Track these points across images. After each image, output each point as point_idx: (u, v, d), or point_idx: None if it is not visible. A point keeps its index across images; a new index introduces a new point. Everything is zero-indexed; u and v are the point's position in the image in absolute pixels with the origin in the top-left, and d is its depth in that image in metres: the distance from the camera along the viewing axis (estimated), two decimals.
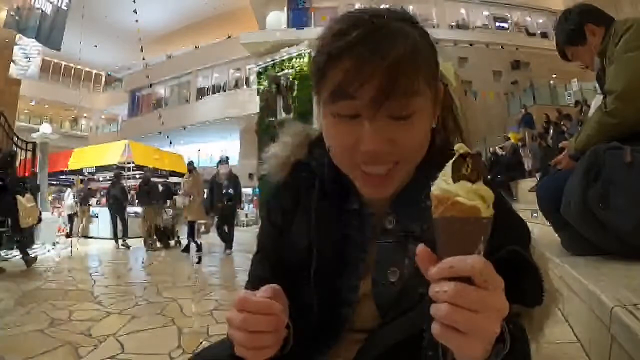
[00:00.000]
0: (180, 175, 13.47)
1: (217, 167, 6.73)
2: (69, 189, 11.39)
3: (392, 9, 0.49)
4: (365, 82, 0.44)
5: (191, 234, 6.39)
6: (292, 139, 0.61)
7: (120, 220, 8.03)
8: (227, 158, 6.98)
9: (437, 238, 0.33)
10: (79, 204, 10.29)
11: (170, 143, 14.90)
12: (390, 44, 0.44)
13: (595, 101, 2.43)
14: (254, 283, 0.55)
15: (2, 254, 6.23)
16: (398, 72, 0.43)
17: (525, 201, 5.94)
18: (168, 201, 8.39)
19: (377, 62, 0.43)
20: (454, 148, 0.35)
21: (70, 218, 10.63)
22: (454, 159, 0.34)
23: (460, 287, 0.31)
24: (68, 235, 10.04)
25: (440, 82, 0.51)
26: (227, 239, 6.42)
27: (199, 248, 6.11)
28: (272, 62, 13.27)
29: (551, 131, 8.89)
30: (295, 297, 0.51)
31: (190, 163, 7.05)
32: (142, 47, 12.63)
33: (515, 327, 0.39)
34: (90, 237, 10.24)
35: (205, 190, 6.93)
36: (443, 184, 0.33)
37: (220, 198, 6.41)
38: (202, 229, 7.34)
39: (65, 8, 10.90)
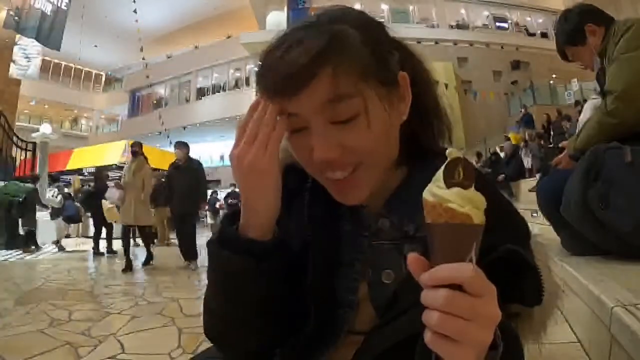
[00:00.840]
0: None
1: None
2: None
3: (326, 11, 0.48)
4: (290, 96, 0.43)
5: (146, 243, 5.22)
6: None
7: None
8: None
9: (430, 244, 0.34)
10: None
11: (170, 143, 14.90)
12: (300, 52, 0.42)
13: (588, 105, 2.43)
14: None
15: (3, 253, 6.26)
16: (308, 78, 0.42)
17: (525, 201, 5.94)
18: None
19: (292, 74, 0.42)
20: (446, 153, 0.34)
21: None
22: (445, 164, 0.34)
23: (452, 295, 0.31)
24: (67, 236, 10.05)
25: (403, 73, 0.48)
26: (187, 251, 4.94)
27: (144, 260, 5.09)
28: None
29: (552, 131, 8.89)
30: (293, 299, 0.51)
31: (136, 144, 5.29)
32: (142, 47, 12.65)
33: (509, 334, 0.38)
34: (90, 237, 10.25)
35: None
36: (435, 189, 0.33)
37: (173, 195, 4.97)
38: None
39: (65, 8, 10.92)
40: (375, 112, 0.45)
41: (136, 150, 5.16)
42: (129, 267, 4.70)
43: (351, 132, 0.44)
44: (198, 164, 5.11)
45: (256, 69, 0.48)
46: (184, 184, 4.80)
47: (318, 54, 0.42)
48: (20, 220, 7.12)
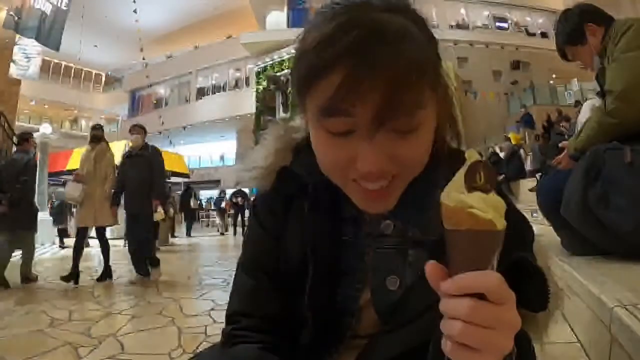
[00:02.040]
0: (182, 175, 13.52)
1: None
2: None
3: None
4: (363, 98, 0.38)
5: (105, 250, 4.04)
6: (274, 144, 0.56)
7: None
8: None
9: (449, 250, 0.32)
10: None
11: (170, 143, 14.94)
12: (393, 51, 0.37)
13: (586, 105, 2.43)
14: (245, 296, 0.53)
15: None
16: (403, 85, 0.37)
17: (525, 201, 5.94)
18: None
19: (377, 75, 0.36)
20: (465, 156, 0.32)
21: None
22: (466, 167, 0.32)
23: (475, 305, 0.30)
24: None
25: (444, 79, 0.46)
26: (137, 262, 4.11)
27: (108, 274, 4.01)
28: (271, 62, 13.33)
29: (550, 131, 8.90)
30: (294, 304, 0.50)
31: (98, 127, 4.35)
32: (142, 47, 12.65)
33: (521, 337, 0.38)
34: (91, 237, 10.25)
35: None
36: (455, 193, 0.31)
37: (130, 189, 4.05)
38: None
39: (65, 8, 10.91)
40: (430, 122, 0.42)
41: (98, 135, 4.17)
42: (72, 277, 3.78)
43: (406, 143, 0.40)
44: (153, 150, 4.24)
45: (300, 67, 0.41)
46: (135, 177, 4.01)
47: (422, 49, 0.38)
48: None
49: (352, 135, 0.40)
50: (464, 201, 0.30)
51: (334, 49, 0.37)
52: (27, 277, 3.95)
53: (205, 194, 19.38)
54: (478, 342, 0.30)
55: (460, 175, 0.32)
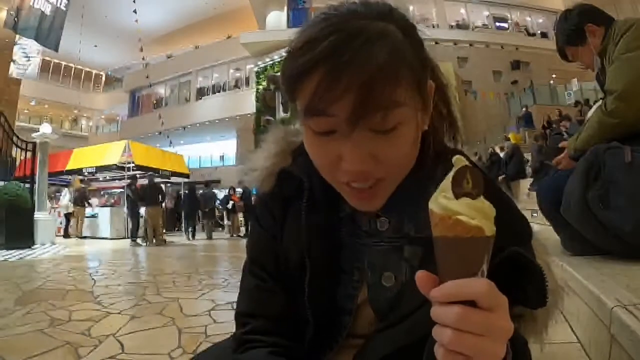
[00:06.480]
0: (181, 175, 13.52)
1: None
2: (65, 189, 11.42)
3: (370, 2, 0.44)
4: (338, 98, 0.39)
5: None
6: (274, 147, 0.58)
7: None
8: None
9: (438, 257, 0.32)
10: (73, 204, 10.41)
11: (170, 143, 14.94)
12: (366, 53, 0.38)
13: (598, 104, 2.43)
14: (250, 296, 0.54)
15: (3, 253, 6.26)
16: (375, 85, 0.39)
17: (526, 201, 5.95)
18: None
19: (350, 75, 0.38)
20: (452, 161, 0.32)
21: (67, 218, 10.70)
22: (453, 172, 0.31)
23: (465, 312, 0.30)
24: (65, 236, 10.10)
25: (431, 82, 0.47)
26: None
27: None
28: (271, 62, 13.34)
29: (547, 131, 8.90)
30: (297, 305, 0.51)
31: None
32: (142, 47, 12.66)
33: (518, 342, 0.38)
34: (89, 237, 10.26)
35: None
36: (443, 200, 0.31)
37: None
38: None
39: (64, 9, 10.91)
40: (411, 123, 0.43)
41: None
42: None
43: (385, 143, 0.42)
44: None
45: (286, 69, 0.43)
46: None
47: (397, 52, 0.40)
48: None
49: (334, 134, 0.42)
50: (451, 208, 0.30)
51: (313, 53, 0.40)
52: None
53: None
54: (469, 349, 0.30)
55: (447, 181, 0.32)
